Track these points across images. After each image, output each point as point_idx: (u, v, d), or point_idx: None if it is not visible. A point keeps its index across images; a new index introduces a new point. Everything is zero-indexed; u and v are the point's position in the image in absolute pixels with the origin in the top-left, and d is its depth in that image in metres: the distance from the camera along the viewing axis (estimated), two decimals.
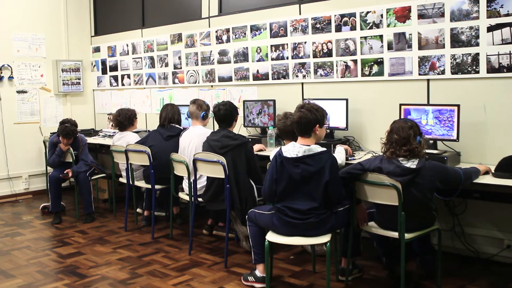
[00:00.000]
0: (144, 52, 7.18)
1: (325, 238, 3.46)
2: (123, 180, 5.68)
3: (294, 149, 3.48)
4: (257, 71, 5.74)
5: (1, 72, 7.06)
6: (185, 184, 4.86)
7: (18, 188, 7.30)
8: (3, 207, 6.81)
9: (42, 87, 7.53)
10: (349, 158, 4.26)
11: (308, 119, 3.47)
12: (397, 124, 3.46)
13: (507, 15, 3.91)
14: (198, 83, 6.45)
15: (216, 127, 4.67)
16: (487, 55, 4.04)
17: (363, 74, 4.82)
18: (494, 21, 3.98)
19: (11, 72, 7.15)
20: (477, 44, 4.09)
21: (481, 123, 4.13)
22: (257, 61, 5.73)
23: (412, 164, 3.33)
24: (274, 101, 5.36)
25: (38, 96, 7.48)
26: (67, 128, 5.84)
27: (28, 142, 7.34)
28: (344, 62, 4.94)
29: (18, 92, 7.26)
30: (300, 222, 3.45)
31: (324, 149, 3.47)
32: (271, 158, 4.07)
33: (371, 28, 4.72)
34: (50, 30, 7.58)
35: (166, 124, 5.36)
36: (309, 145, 3.47)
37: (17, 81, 7.24)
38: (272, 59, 5.57)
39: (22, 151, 7.27)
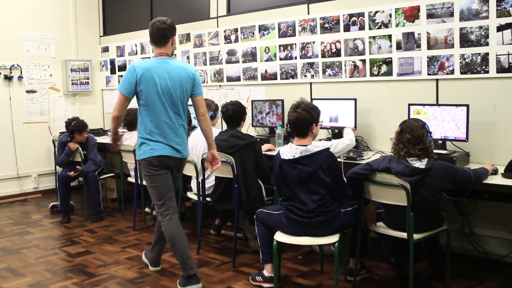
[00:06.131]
0: (153, 52, 7.17)
1: (333, 238, 3.45)
2: (131, 179, 5.70)
3: (291, 150, 3.50)
4: (266, 71, 5.74)
5: (11, 72, 7.10)
6: (193, 184, 4.87)
7: (28, 187, 7.34)
8: (13, 206, 6.85)
9: (51, 87, 7.57)
10: (358, 158, 4.25)
11: (305, 119, 3.46)
12: (408, 124, 3.44)
13: None
14: (207, 82, 6.45)
15: (225, 126, 4.67)
16: (496, 55, 4.02)
17: (371, 74, 4.81)
18: (504, 20, 3.96)
19: (21, 72, 7.19)
20: (487, 44, 4.06)
21: (490, 123, 4.10)
22: (266, 61, 5.73)
23: (421, 164, 3.32)
24: (282, 101, 5.36)
25: (47, 95, 7.52)
26: (79, 122, 5.92)
27: (37, 141, 7.39)
28: (353, 62, 4.93)
29: (28, 91, 7.30)
30: (307, 221, 3.45)
31: (321, 148, 3.47)
32: None
33: (379, 27, 4.71)
34: (59, 30, 7.62)
35: None
36: (305, 145, 3.47)
37: (26, 81, 7.28)
38: (281, 59, 5.57)
39: (32, 150, 7.32)
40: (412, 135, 3.36)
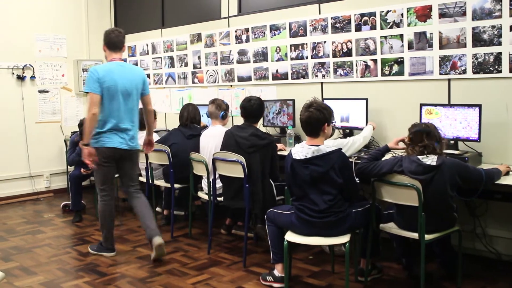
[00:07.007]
0: (164, 52, 7.22)
1: (344, 239, 3.44)
2: (142, 179, 5.71)
3: (302, 150, 3.50)
4: (277, 70, 5.74)
5: (24, 72, 7.16)
6: (204, 184, 4.87)
7: (40, 186, 7.39)
8: (25, 205, 6.90)
9: (63, 87, 7.62)
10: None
11: (317, 119, 3.47)
12: (413, 129, 3.53)
13: None
14: (218, 82, 6.46)
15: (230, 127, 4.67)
16: (509, 54, 3.99)
17: (383, 74, 4.79)
18: None
19: (33, 72, 7.24)
20: (500, 43, 4.03)
21: (503, 123, 4.07)
22: (277, 60, 5.72)
23: (432, 161, 3.32)
24: (293, 101, 5.35)
25: (59, 95, 7.56)
26: None
27: (49, 141, 7.43)
28: (364, 61, 4.92)
29: (40, 91, 7.35)
30: (318, 221, 3.44)
31: (333, 148, 3.47)
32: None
33: (391, 27, 4.69)
34: (71, 31, 7.67)
35: (188, 124, 5.37)
36: (317, 145, 3.47)
37: (39, 81, 7.33)
38: (292, 59, 5.56)
39: (44, 149, 7.37)
40: (413, 140, 3.49)
